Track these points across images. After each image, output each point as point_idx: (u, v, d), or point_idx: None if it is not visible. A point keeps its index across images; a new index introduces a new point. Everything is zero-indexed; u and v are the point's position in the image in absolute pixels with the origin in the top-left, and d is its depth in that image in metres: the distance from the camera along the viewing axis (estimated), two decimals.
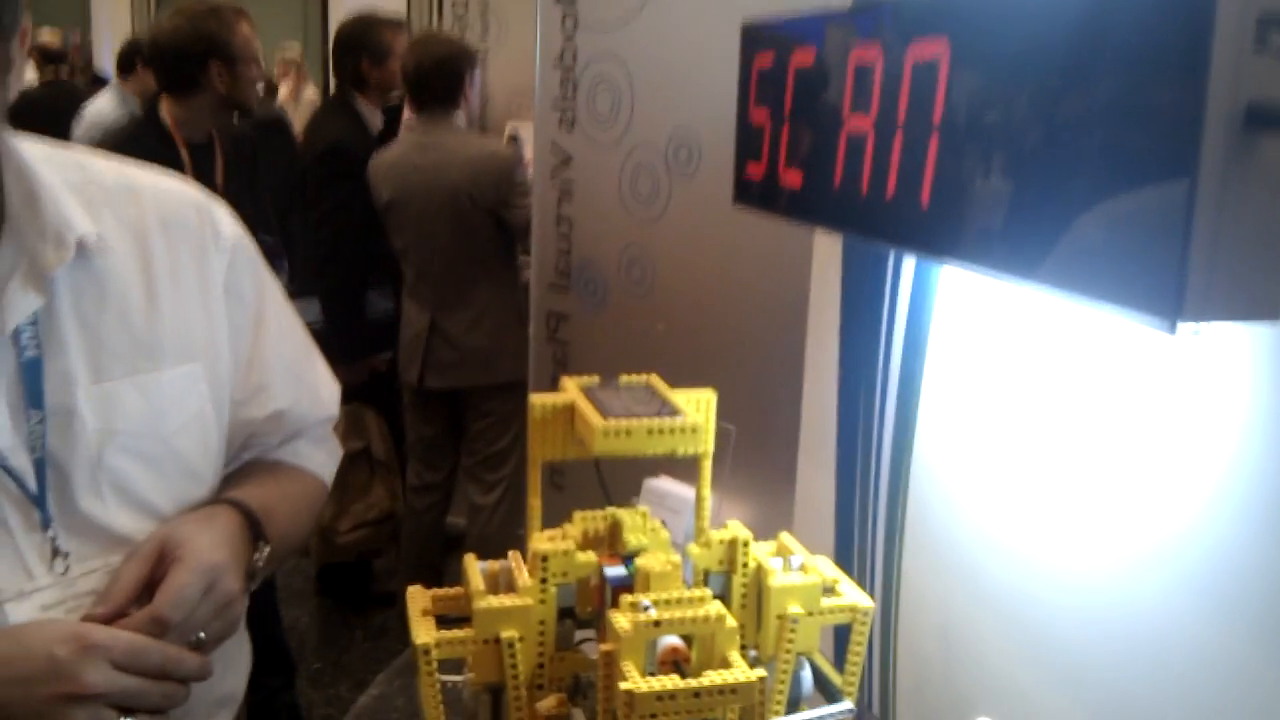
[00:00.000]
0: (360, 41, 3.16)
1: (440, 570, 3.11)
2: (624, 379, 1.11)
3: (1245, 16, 0.63)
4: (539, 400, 1.04)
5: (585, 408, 1.00)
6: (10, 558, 0.86)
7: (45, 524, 0.87)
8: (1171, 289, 0.65)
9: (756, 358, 1.58)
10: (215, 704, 1.06)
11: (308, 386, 1.12)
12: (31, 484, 0.86)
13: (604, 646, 0.87)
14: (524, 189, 2.76)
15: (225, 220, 1.03)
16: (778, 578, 0.99)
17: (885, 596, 1.27)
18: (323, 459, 1.17)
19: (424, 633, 0.95)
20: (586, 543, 1.03)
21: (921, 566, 1.23)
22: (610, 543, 1.03)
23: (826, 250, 1.40)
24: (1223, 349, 0.80)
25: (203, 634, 0.88)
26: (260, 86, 2.66)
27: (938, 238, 0.88)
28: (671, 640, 0.87)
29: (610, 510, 1.05)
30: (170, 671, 0.85)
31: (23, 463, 0.86)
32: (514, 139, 3.31)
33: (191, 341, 0.96)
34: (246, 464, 1.09)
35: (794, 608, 0.97)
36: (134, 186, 0.96)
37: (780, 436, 1.51)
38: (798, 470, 1.48)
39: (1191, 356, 0.83)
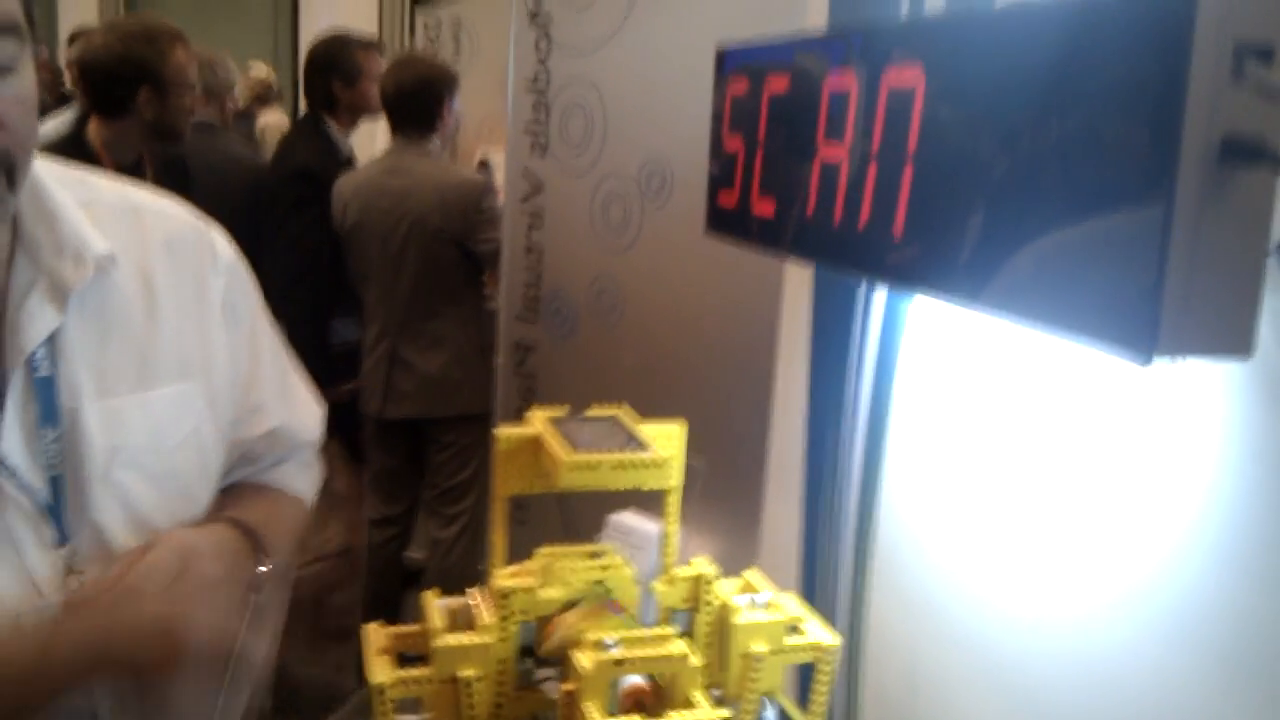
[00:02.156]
0: (332, 63, 3.13)
1: (399, 605, 3.05)
2: (592, 411, 1.09)
3: (1222, 46, 0.63)
4: (505, 433, 1.01)
5: (551, 441, 0.98)
6: (20, 575, 0.85)
7: (61, 541, 0.87)
8: (1146, 324, 0.64)
9: (726, 389, 1.56)
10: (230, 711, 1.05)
11: (296, 408, 1.13)
12: (48, 501, 0.86)
13: (565, 686, 0.85)
14: (492, 219, 2.73)
15: (221, 243, 1.04)
16: (743, 615, 0.96)
17: (851, 634, 1.25)
18: (306, 484, 1.18)
19: (380, 672, 0.92)
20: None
21: (888, 603, 1.21)
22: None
23: (797, 281, 1.38)
24: (1196, 386, 0.79)
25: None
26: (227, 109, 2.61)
27: (911, 269, 0.87)
28: (635, 680, 0.85)
29: (571, 550, 1.02)
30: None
31: (39, 480, 0.86)
32: (484, 165, 3.29)
33: (189, 361, 0.97)
34: (235, 486, 1.09)
35: (758, 646, 0.95)
36: (136, 207, 0.98)
37: (749, 467, 1.49)
38: (765, 502, 1.46)
39: (1162, 394, 0.82)
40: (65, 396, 0.87)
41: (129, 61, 2.37)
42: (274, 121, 5.12)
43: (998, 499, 1.02)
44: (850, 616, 1.26)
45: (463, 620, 0.98)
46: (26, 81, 0.80)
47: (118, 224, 0.94)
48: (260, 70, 5.36)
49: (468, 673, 0.91)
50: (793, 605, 1.02)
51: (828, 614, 1.28)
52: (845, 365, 1.26)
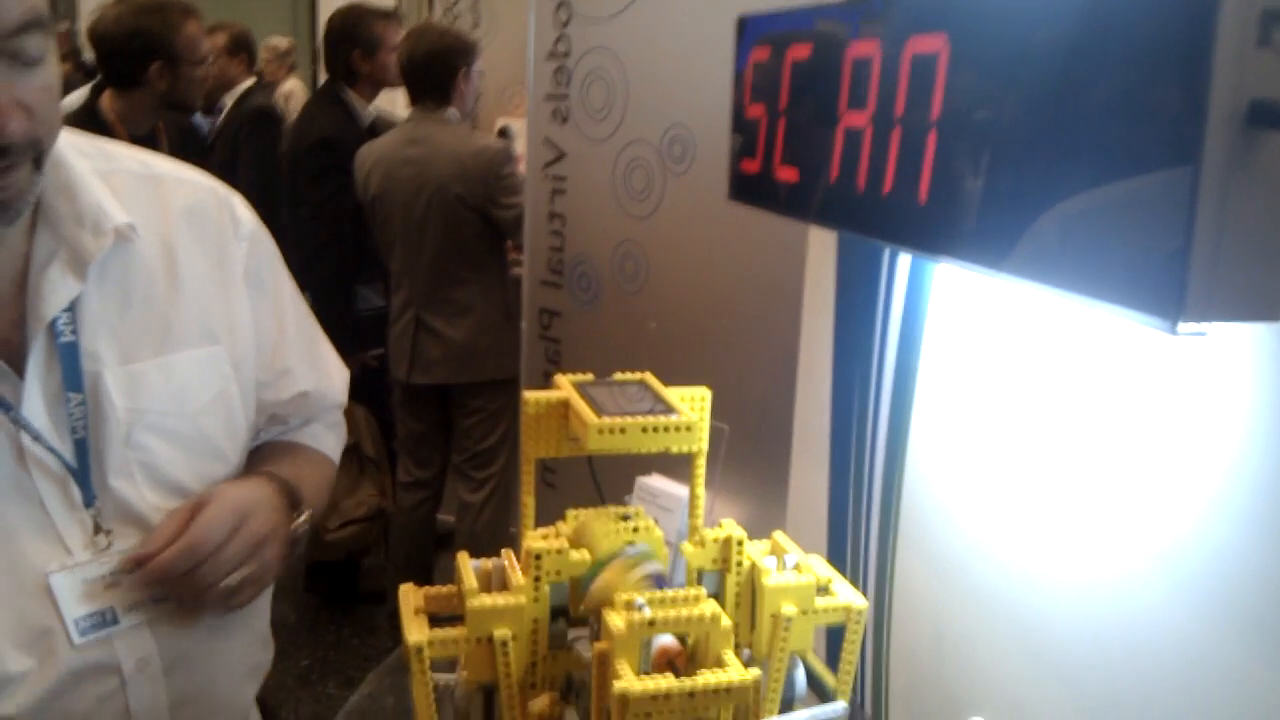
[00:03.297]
0: (351, 34, 3.13)
1: (430, 568, 3.09)
2: (618, 376, 1.10)
3: (1248, 12, 0.63)
4: (532, 397, 1.03)
5: (579, 405, 0.99)
6: (49, 534, 0.89)
7: (88, 502, 0.91)
8: (1173, 289, 0.65)
9: (751, 355, 1.57)
10: (246, 676, 1.10)
11: (323, 370, 1.16)
12: (73, 463, 0.90)
13: (598, 646, 0.86)
14: (512, 186, 2.74)
15: (242, 209, 1.06)
16: (772, 577, 0.98)
17: (879, 596, 1.27)
18: (333, 443, 1.22)
19: (416, 631, 0.94)
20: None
21: (915, 566, 1.23)
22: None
23: (821, 246, 1.39)
24: (1223, 350, 0.80)
25: (236, 576, 0.94)
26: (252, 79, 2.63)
27: (935, 235, 0.87)
28: (666, 640, 0.86)
29: (606, 510, 1.04)
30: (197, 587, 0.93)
31: (64, 444, 0.89)
32: (503, 132, 3.29)
33: (212, 325, 0.99)
34: (265, 445, 1.13)
35: (788, 607, 0.96)
36: (157, 175, 1.00)
37: (774, 434, 1.50)
38: (791, 468, 1.48)
39: (1190, 357, 0.83)
40: (87, 362, 0.90)
41: (140, 34, 2.39)
42: (295, 89, 5.13)
43: (1023, 460, 1.02)
44: (877, 577, 1.27)
45: (496, 581, 1.00)
46: (52, 71, 0.82)
47: (138, 193, 0.96)
48: (281, 40, 5.37)
49: (502, 632, 0.93)
50: (821, 567, 1.04)
51: (855, 576, 1.30)
52: (871, 327, 1.27)
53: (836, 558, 1.32)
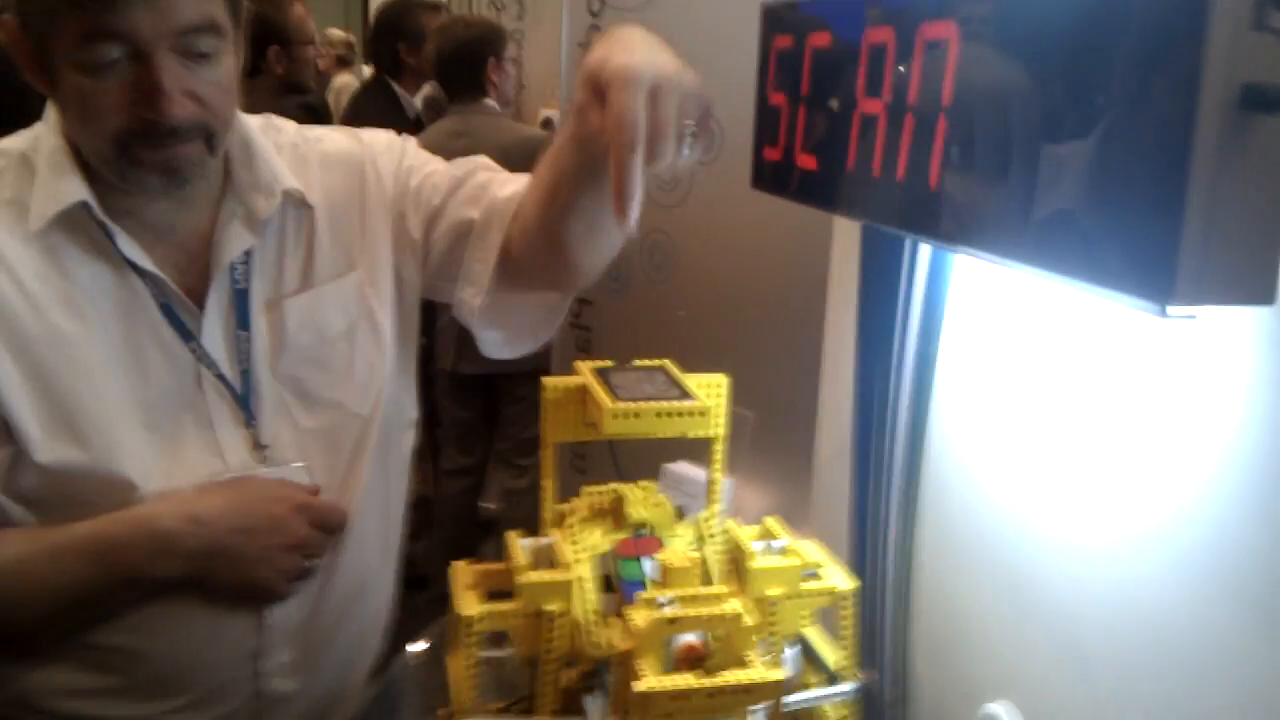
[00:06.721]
0: (396, 26, 3.19)
1: (473, 553, 3.13)
2: (637, 363, 1.12)
3: None
4: (552, 383, 1.05)
5: (596, 390, 1.02)
6: (212, 448, 1.05)
7: (249, 421, 1.06)
8: (1163, 272, 0.65)
9: (776, 343, 1.58)
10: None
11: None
12: (240, 389, 1.06)
13: (619, 644, 0.88)
14: None
15: (382, 148, 1.20)
16: (757, 560, 1.00)
17: (899, 579, 1.27)
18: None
19: (469, 605, 0.98)
20: (594, 515, 1.05)
21: (936, 550, 1.23)
22: (615, 517, 1.05)
23: (846, 235, 1.40)
24: (1225, 331, 0.80)
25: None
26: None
27: (941, 223, 0.88)
28: (688, 638, 0.87)
29: (614, 486, 1.07)
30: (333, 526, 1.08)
31: (234, 373, 1.05)
32: (548, 123, 3.32)
33: (353, 254, 1.14)
34: None
35: (773, 590, 0.98)
36: (307, 137, 1.16)
37: (799, 422, 1.51)
38: (815, 456, 1.49)
39: (1192, 336, 0.83)
40: (254, 302, 1.06)
41: (256, 21, 2.45)
42: (346, 84, 5.21)
43: (1043, 450, 1.03)
44: (897, 562, 1.28)
45: (544, 559, 1.03)
46: (225, 68, 0.96)
47: (295, 152, 1.12)
48: (338, 34, 5.46)
49: (552, 607, 0.96)
50: (812, 551, 1.05)
51: (876, 560, 1.30)
52: (892, 314, 1.27)
53: (859, 543, 1.33)
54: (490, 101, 2.88)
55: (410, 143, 1.24)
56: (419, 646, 1.35)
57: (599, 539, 1.02)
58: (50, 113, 1.03)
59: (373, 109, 3.18)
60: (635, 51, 0.85)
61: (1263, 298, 0.66)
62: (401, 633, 3.39)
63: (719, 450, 1.08)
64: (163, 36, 0.89)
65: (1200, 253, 0.64)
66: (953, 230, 0.85)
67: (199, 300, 1.04)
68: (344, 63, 5.43)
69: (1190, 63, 0.63)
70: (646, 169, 0.81)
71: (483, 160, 1.23)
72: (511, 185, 1.19)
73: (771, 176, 1.25)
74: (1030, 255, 0.76)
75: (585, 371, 1.07)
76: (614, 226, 0.89)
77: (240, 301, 1.06)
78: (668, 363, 1.12)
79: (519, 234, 1.11)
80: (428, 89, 3.30)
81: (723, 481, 1.11)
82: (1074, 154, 0.72)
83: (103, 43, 0.88)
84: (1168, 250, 0.64)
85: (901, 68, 0.94)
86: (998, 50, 0.81)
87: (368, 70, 5.26)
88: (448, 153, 2.81)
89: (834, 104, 1.08)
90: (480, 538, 3.22)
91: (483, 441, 3.18)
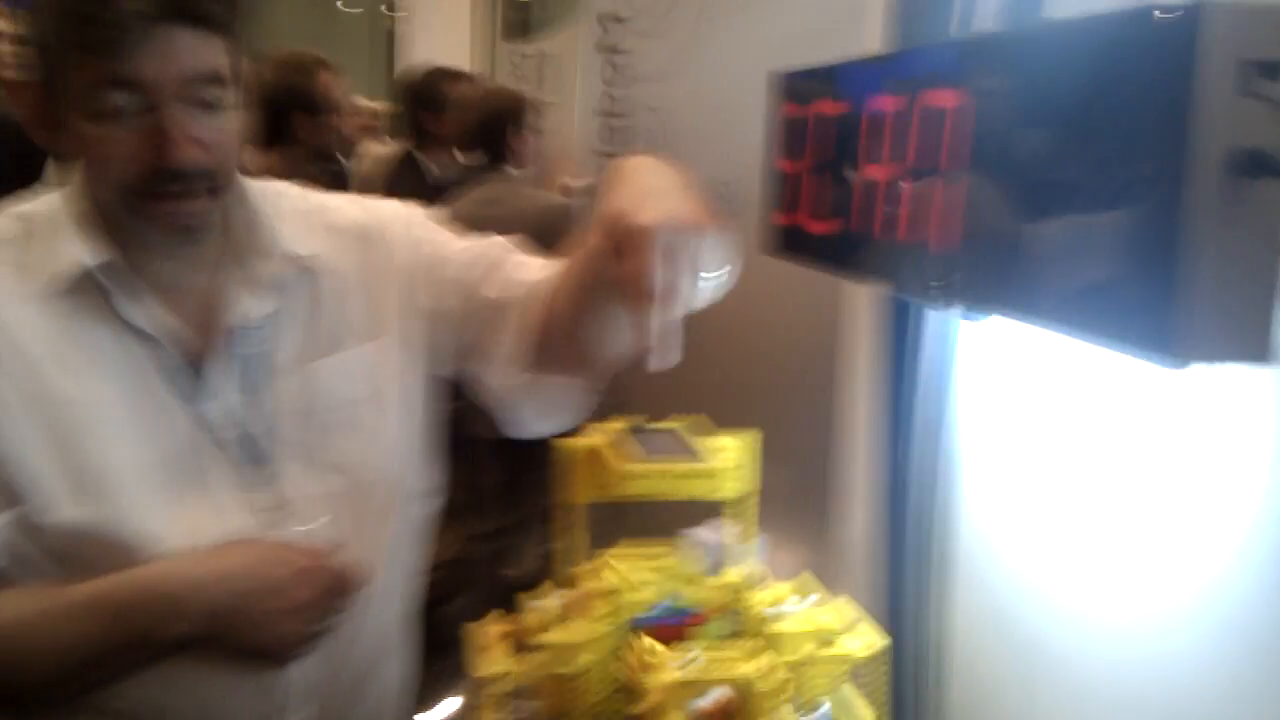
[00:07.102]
0: (418, 94, 3.24)
1: (506, 614, 3.11)
2: (650, 424, 1.14)
3: (1226, 63, 0.65)
4: (566, 445, 1.07)
5: (608, 452, 1.03)
6: (216, 511, 1.03)
7: (254, 485, 1.05)
8: (1166, 330, 0.66)
9: (792, 403, 1.59)
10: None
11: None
12: (246, 453, 1.05)
13: (636, 709, 0.88)
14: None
15: (394, 223, 1.19)
16: (779, 625, 0.99)
17: (924, 639, 1.26)
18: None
19: (493, 662, 0.98)
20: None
21: (965, 611, 1.23)
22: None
23: (857, 295, 1.41)
24: (1248, 395, 0.80)
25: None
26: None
27: (952, 284, 0.89)
28: (721, 692, 0.87)
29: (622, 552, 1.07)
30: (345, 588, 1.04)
31: (239, 437, 1.05)
32: (567, 189, 3.36)
33: (382, 318, 1.14)
34: None
35: (801, 651, 0.98)
36: (318, 204, 1.17)
37: (819, 481, 1.51)
38: (839, 514, 1.48)
39: (1216, 402, 0.83)
40: (260, 368, 1.06)
41: (283, 88, 2.50)
42: (370, 151, 5.31)
43: (1070, 509, 1.02)
44: (932, 625, 1.27)
45: (575, 613, 1.03)
46: (229, 119, 0.98)
47: (308, 220, 1.13)
48: (366, 103, 5.57)
49: (581, 661, 0.96)
50: (843, 610, 1.05)
51: (904, 624, 1.29)
52: (905, 379, 1.28)
53: (886, 606, 1.32)
54: (513, 169, 2.92)
55: (418, 212, 1.26)
56: (447, 709, 1.34)
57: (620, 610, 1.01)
58: (53, 175, 1.06)
59: (395, 177, 3.24)
60: (647, 204, 0.88)
61: (1259, 355, 0.67)
62: (424, 695, 3.35)
63: (734, 511, 1.08)
64: (171, 84, 0.93)
65: (1197, 311, 0.65)
66: (965, 294, 0.87)
67: (198, 364, 1.06)
68: (371, 131, 5.54)
69: (1180, 129, 0.65)
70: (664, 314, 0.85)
71: (499, 240, 1.25)
72: (528, 269, 1.21)
73: (781, 241, 1.27)
74: (1050, 316, 0.77)
75: (599, 433, 1.08)
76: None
77: (246, 366, 1.07)
78: (689, 421, 1.14)
79: (542, 322, 1.13)
80: (454, 156, 3.36)
81: (758, 539, 1.11)
82: (1084, 220, 0.74)
83: (112, 90, 0.92)
84: (1165, 309, 0.66)
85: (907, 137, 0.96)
86: (1006, 121, 0.83)
87: (390, 139, 5.38)
88: (481, 221, 2.86)
89: (840, 170, 1.10)
90: (509, 601, 3.20)
91: (517, 506, 3.18)
